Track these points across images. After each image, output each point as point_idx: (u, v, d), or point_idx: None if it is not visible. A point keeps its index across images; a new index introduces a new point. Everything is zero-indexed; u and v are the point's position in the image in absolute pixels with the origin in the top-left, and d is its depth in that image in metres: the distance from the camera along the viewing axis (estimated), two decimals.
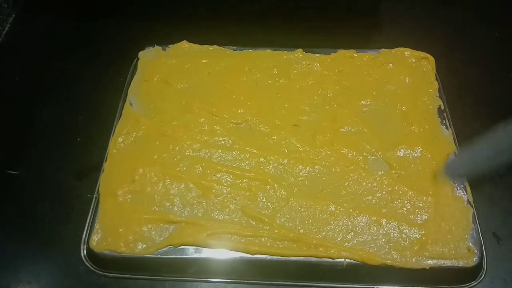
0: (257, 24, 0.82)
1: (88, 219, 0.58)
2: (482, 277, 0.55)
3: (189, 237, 0.54)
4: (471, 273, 0.55)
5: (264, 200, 0.57)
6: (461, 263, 0.53)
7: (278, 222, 0.56)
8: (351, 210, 0.56)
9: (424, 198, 0.57)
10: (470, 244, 0.54)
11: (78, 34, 0.85)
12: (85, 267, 0.56)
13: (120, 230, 0.55)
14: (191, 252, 0.54)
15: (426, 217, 0.56)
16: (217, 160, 0.61)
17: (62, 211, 0.61)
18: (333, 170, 0.60)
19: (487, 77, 0.76)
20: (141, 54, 0.73)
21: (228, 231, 0.55)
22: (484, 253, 0.55)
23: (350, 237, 0.55)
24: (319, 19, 0.85)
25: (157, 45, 0.74)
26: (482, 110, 0.73)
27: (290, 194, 0.58)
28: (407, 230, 0.55)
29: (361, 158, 0.61)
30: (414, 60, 0.73)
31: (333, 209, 0.57)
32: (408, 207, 0.57)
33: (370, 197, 0.58)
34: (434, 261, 0.53)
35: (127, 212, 0.56)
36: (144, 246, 0.54)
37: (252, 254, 0.54)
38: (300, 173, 0.60)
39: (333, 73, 0.71)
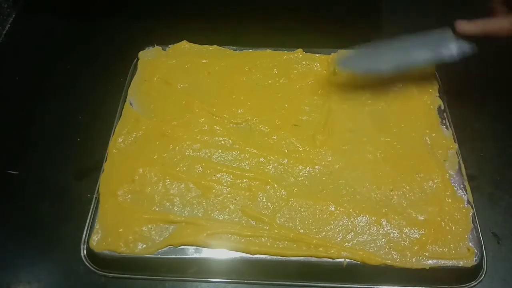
0: (257, 24, 0.82)
1: (88, 219, 0.58)
2: (482, 277, 0.55)
3: (189, 237, 0.54)
4: (471, 273, 0.55)
5: (264, 200, 0.57)
6: (461, 263, 0.53)
7: (278, 222, 0.56)
8: (351, 210, 0.56)
9: (425, 198, 0.57)
10: (470, 244, 0.54)
11: (78, 34, 0.84)
12: (85, 267, 0.56)
13: (120, 230, 0.55)
14: (191, 252, 0.54)
15: (426, 217, 0.56)
16: (217, 160, 0.61)
17: (62, 211, 0.61)
18: (333, 170, 0.60)
19: (487, 77, 0.76)
20: (141, 54, 0.73)
21: (228, 231, 0.55)
22: (484, 253, 0.55)
23: (350, 237, 0.55)
24: (319, 19, 0.85)
25: (157, 45, 0.74)
26: (482, 110, 0.73)
27: (290, 194, 0.58)
28: (407, 230, 0.55)
29: (361, 158, 0.61)
30: None
31: (333, 209, 0.57)
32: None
33: (370, 197, 0.58)
34: (434, 261, 0.53)
35: (127, 212, 0.56)
36: (144, 246, 0.54)
37: (252, 254, 0.53)
38: (300, 173, 0.60)
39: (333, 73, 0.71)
